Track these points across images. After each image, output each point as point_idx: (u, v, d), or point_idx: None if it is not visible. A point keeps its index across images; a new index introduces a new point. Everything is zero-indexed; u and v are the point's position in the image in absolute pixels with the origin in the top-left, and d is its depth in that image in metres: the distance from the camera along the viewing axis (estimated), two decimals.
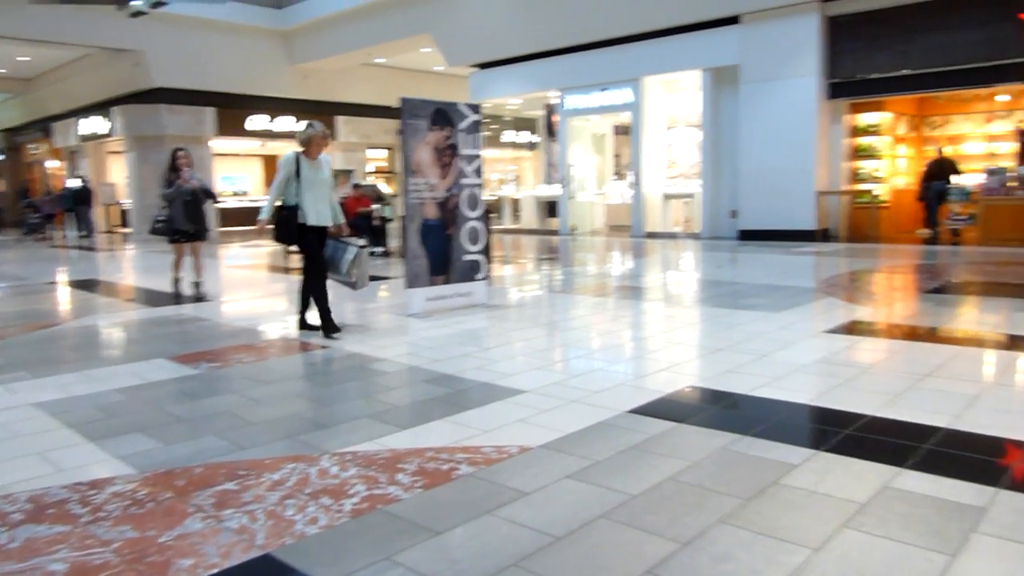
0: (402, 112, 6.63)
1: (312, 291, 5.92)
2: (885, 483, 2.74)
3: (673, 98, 16.45)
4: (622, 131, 18.78)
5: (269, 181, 25.77)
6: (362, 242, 6.71)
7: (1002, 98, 14.94)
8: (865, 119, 14.57)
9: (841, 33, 13.57)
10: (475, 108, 7.16)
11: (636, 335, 5.92)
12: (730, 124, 14.83)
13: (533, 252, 13.64)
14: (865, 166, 14.67)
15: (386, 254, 13.04)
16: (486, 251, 7.27)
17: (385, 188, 19.80)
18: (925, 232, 14.14)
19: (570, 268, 10.75)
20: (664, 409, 3.74)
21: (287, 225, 5.82)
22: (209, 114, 20.32)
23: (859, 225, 14.43)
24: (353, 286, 6.16)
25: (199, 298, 8.12)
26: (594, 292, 8.08)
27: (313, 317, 5.99)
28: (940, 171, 13.34)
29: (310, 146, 5.87)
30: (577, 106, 17.12)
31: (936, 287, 7.83)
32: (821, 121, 13.76)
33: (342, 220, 6.14)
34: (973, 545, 2.28)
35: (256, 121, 21.56)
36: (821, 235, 13.80)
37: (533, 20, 16.74)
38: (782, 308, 6.55)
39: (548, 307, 7.39)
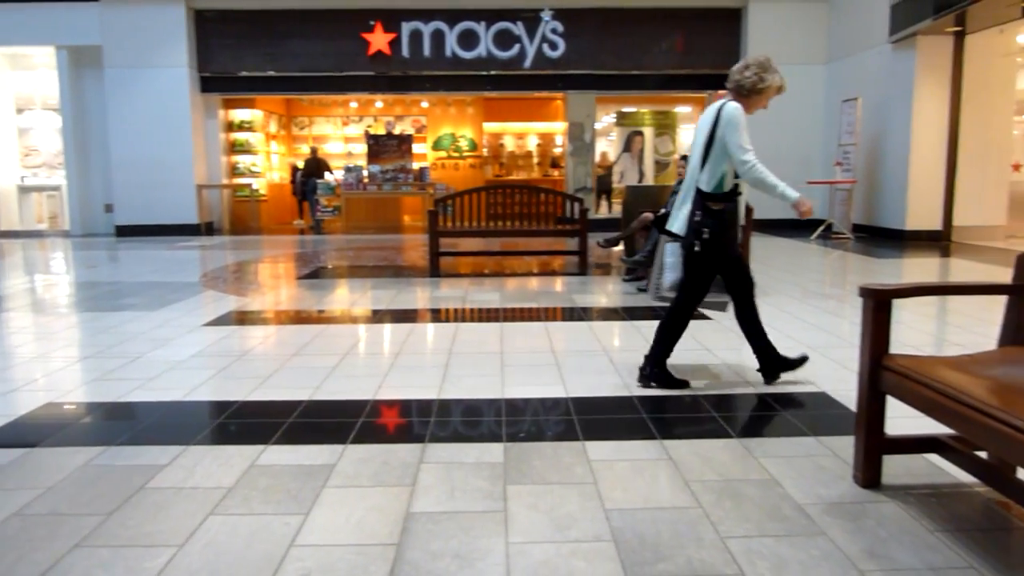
0: None
1: (682, 327, 3.86)
2: (252, 462, 2.89)
3: (25, 76, 14.34)
4: None
5: None
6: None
7: (354, 104, 17.19)
8: (239, 115, 15.09)
9: (210, 28, 13.70)
10: None
11: None
12: (97, 110, 13.68)
13: None
14: (243, 161, 15.22)
15: None
16: None
17: None
18: (301, 223, 15.45)
19: None
20: (12, 435, 3.24)
21: (731, 227, 3.67)
22: None
23: (241, 218, 14.95)
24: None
25: None
26: None
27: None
28: (316, 168, 14.70)
29: (762, 96, 3.68)
30: None
31: (309, 273, 8.62)
32: (196, 114, 13.73)
33: None
34: (323, 499, 2.57)
35: None
36: (205, 228, 13.83)
37: None
38: (161, 305, 6.35)
39: None
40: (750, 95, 3.65)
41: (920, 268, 8.71)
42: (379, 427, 3.38)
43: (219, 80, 13.97)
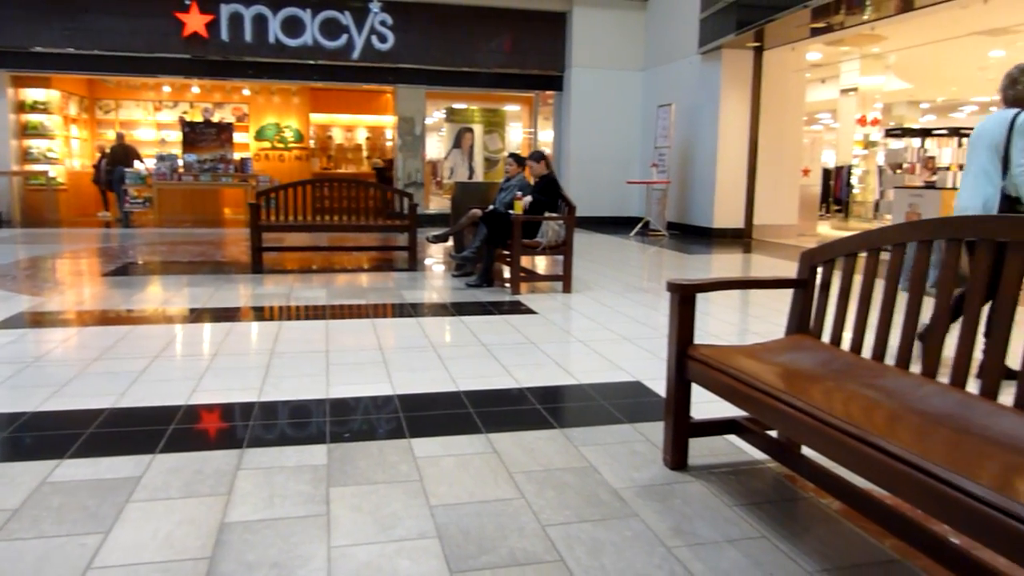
0: None
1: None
2: (43, 480, 2.62)
3: None
4: None
5: None
6: None
7: (167, 89, 16.04)
8: (33, 95, 13.65)
9: None
10: None
11: None
12: None
13: None
14: (38, 145, 13.78)
15: None
16: None
17: None
18: (107, 215, 14.23)
19: None
20: None
21: None
22: None
23: (36, 208, 13.56)
24: None
25: None
26: None
27: None
28: (124, 156, 13.55)
29: None
30: None
31: (116, 269, 7.94)
32: None
33: None
34: (126, 515, 2.37)
35: None
36: None
37: None
38: None
39: None
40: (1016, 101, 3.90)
41: (725, 263, 9.45)
42: (192, 434, 3.17)
43: (7, 55, 12.53)
